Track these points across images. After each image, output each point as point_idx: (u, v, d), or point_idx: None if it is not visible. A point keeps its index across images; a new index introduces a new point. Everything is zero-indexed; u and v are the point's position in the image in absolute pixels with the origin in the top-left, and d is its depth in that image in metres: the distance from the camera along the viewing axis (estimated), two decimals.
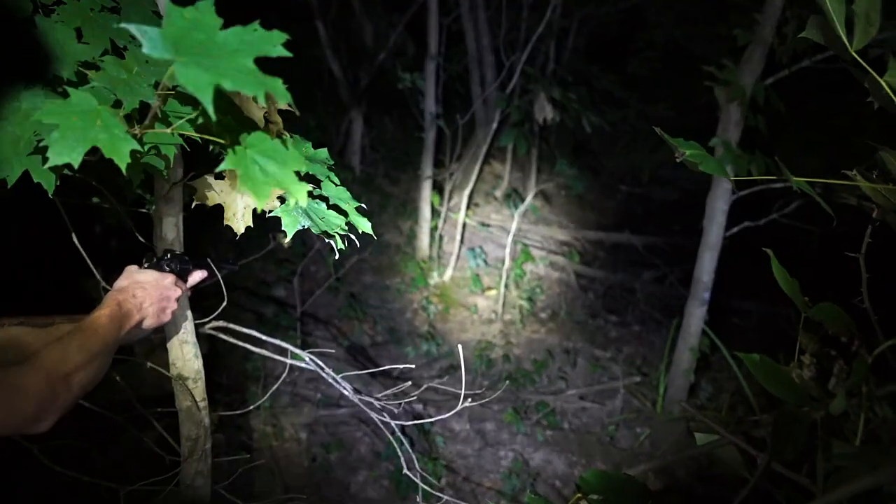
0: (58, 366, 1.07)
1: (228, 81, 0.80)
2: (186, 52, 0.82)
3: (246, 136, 1.05)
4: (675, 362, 4.20)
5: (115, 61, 1.11)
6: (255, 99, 1.37)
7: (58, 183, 1.13)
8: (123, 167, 0.97)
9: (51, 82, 1.13)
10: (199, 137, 1.16)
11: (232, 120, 1.13)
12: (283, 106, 1.46)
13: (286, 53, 0.85)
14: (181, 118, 1.14)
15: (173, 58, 0.81)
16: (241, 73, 0.82)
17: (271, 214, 1.37)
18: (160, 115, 1.15)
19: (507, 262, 5.48)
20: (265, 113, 1.37)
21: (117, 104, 1.06)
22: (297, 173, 1.11)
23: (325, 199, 1.45)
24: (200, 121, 1.13)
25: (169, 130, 1.12)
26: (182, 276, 1.48)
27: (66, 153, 0.95)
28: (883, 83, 1.10)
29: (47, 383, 1.05)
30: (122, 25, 0.87)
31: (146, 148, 1.17)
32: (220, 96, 1.05)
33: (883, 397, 0.99)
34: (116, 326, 1.24)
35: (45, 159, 0.95)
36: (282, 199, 1.39)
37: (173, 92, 1.11)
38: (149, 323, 1.35)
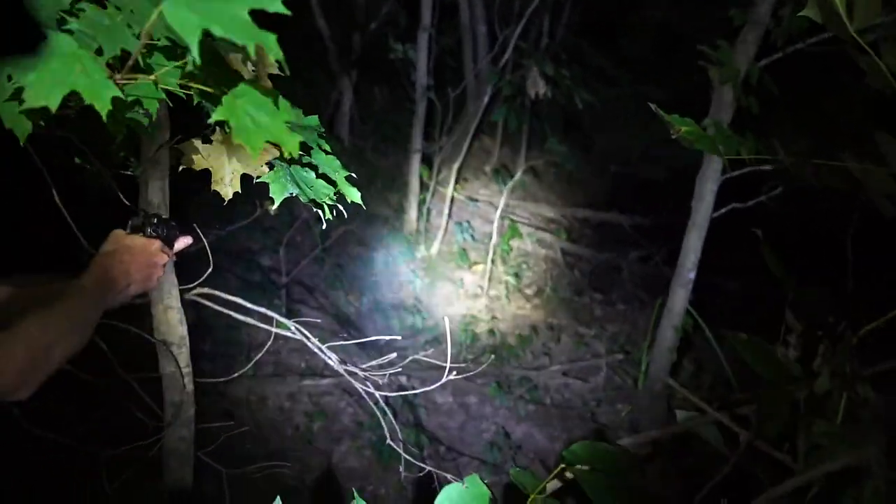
0: (40, 336, 1.04)
1: (219, 28, 0.77)
2: None
3: (235, 88, 1.03)
4: (658, 341, 4.24)
5: (97, 8, 1.08)
6: (244, 61, 1.35)
7: (31, 131, 1.09)
8: (104, 113, 0.94)
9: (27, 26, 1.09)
10: (185, 92, 1.13)
11: (221, 73, 1.10)
12: (272, 70, 1.44)
13: (284, 10, 0.82)
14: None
15: None
16: (233, 21, 0.79)
17: (259, 181, 1.35)
18: (143, 66, 1.12)
19: (495, 238, 5.48)
20: (255, 76, 1.34)
21: (98, 52, 1.03)
22: (289, 125, 1.09)
23: (314, 167, 1.43)
24: (188, 68, 1.10)
25: (152, 77, 1.09)
26: (168, 240, 1.45)
27: (44, 96, 0.92)
28: (882, 65, 1.10)
29: (28, 353, 1.02)
30: None
31: (129, 101, 1.13)
32: (209, 47, 1.02)
33: (865, 378, 1.01)
34: (102, 294, 1.22)
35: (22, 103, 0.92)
36: (270, 166, 1.37)
37: (157, 41, 1.09)
38: (134, 289, 1.33)
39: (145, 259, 1.34)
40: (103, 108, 0.94)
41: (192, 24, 0.76)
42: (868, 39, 1.15)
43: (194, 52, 0.76)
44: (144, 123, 1.16)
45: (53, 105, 0.92)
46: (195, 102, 1.19)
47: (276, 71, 1.43)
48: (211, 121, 1.01)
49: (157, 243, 1.38)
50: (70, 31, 1.02)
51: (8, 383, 1.00)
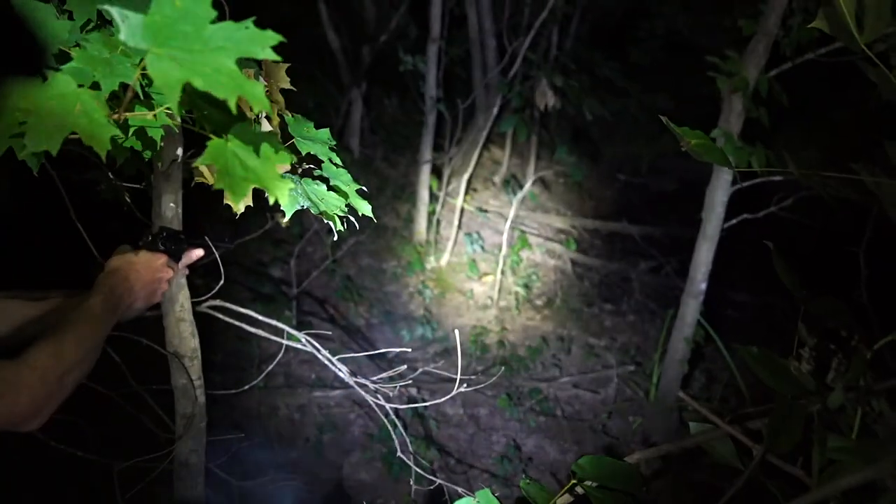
0: (53, 365, 1.05)
1: (201, 80, 0.75)
2: (165, 43, 0.78)
3: (227, 128, 1.00)
4: (670, 352, 4.22)
5: (101, 39, 1.06)
6: (256, 76, 1.36)
7: (43, 161, 1.08)
8: (103, 155, 0.94)
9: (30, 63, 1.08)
10: (181, 126, 1.12)
11: (217, 112, 1.08)
12: (284, 85, 1.45)
13: (274, 56, 0.80)
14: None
15: (149, 48, 0.77)
16: (217, 72, 0.77)
17: None
18: (142, 98, 1.11)
19: (504, 249, 5.48)
20: (266, 92, 1.35)
21: (96, 86, 1.02)
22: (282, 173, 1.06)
23: (325, 180, 1.44)
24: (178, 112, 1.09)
25: (151, 114, 1.08)
26: (176, 254, 1.46)
27: (44, 140, 0.91)
28: (892, 77, 1.10)
29: (42, 383, 1.02)
30: (104, 7, 0.82)
31: (132, 131, 1.13)
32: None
33: (880, 392, 1.00)
34: (110, 314, 1.22)
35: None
36: None
37: None
38: (139, 305, 1.33)
39: (150, 275, 1.34)
40: (102, 149, 0.93)
41: (174, 78, 0.74)
42: (878, 50, 1.15)
43: (174, 109, 0.74)
44: (146, 155, 1.15)
45: (54, 149, 0.91)
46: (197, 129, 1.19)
47: (287, 86, 1.44)
48: (196, 164, 0.99)
49: (162, 258, 1.39)
50: (73, 67, 1.01)
51: (22, 413, 1.00)
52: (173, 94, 0.74)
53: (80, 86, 0.96)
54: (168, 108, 1.09)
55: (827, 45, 3.18)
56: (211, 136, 0.99)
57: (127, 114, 1.03)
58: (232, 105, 0.75)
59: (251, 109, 1.27)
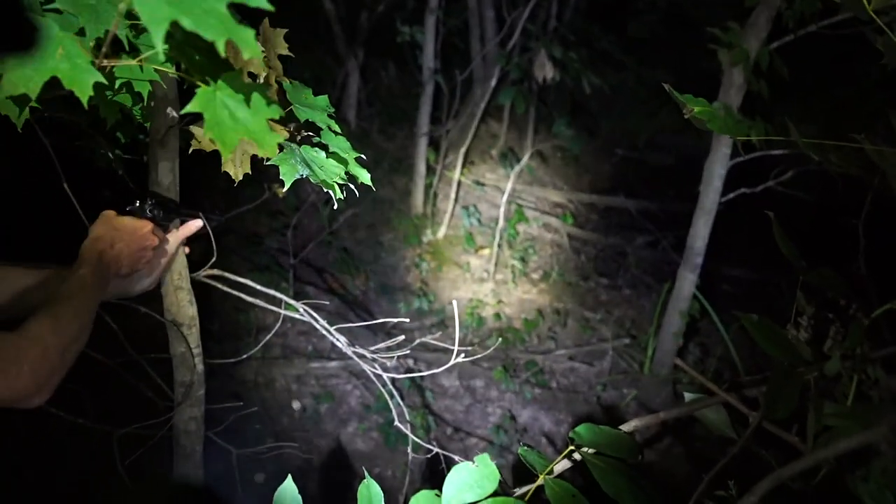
0: (54, 339, 1.02)
1: (189, 20, 0.72)
2: None
3: (217, 77, 0.98)
4: (665, 325, 4.24)
5: None
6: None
7: (29, 117, 1.06)
8: (84, 100, 0.91)
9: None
10: (172, 74, 1.09)
11: (205, 60, 1.05)
12: (282, 51, 1.43)
13: (267, 6, 0.77)
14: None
15: None
16: (207, 14, 0.74)
17: (269, 163, 1.35)
18: (127, 48, 1.08)
19: (501, 222, 5.47)
20: (264, 57, 1.33)
21: (82, 33, 0.99)
22: (273, 122, 1.04)
23: (324, 147, 1.42)
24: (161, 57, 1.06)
25: (135, 62, 1.06)
26: (165, 222, 1.44)
27: (23, 83, 0.88)
28: None
29: (44, 358, 0.99)
30: None
31: (118, 85, 1.10)
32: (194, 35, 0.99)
33: (876, 360, 1.01)
34: (101, 284, 1.21)
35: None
36: (280, 147, 1.37)
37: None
38: (124, 273, 1.32)
39: (136, 242, 1.32)
40: (84, 94, 0.91)
41: (160, 15, 0.71)
42: (885, 20, 1.13)
43: (158, 46, 0.71)
44: (135, 111, 1.13)
45: (33, 93, 0.89)
46: (185, 87, 1.15)
47: (285, 52, 1.42)
48: (183, 111, 0.96)
49: (148, 225, 1.36)
50: (55, 11, 0.98)
51: (24, 388, 0.97)
52: (159, 30, 0.70)
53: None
54: (154, 49, 1.06)
55: (830, 16, 3.15)
56: (200, 84, 0.96)
57: (113, 61, 1.00)
58: (220, 47, 0.72)
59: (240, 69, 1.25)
